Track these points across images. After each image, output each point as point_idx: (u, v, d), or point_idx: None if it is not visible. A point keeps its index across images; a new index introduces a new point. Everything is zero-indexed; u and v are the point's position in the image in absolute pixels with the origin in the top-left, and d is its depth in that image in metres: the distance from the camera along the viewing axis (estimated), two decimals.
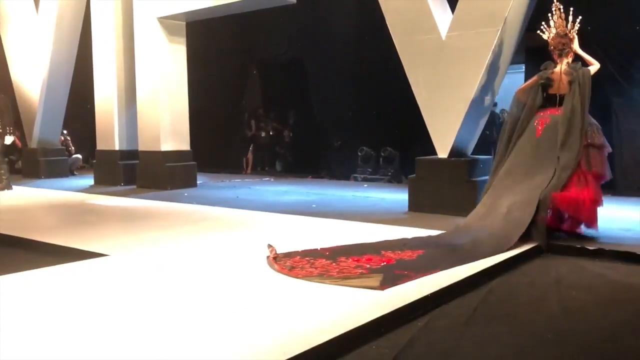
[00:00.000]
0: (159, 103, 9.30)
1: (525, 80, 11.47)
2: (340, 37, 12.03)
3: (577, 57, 5.35)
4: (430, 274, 3.80)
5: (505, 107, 11.41)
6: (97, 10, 10.24)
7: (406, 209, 6.69)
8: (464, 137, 6.48)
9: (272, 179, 11.08)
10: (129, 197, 8.43)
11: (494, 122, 11.23)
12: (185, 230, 5.63)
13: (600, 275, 4.10)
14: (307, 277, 3.75)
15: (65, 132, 12.57)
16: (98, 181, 10.31)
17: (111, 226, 6.16)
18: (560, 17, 5.31)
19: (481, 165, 6.50)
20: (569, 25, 5.29)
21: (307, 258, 4.20)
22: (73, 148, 12.82)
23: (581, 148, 5.00)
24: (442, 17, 6.48)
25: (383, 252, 4.36)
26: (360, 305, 3.16)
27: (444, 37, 6.37)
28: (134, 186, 9.64)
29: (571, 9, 5.28)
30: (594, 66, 5.25)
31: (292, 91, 13.37)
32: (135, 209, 7.33)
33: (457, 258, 4.21)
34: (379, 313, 2.98)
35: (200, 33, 11.00)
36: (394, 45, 6.74)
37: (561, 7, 5.30)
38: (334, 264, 4.04)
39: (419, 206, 6.55)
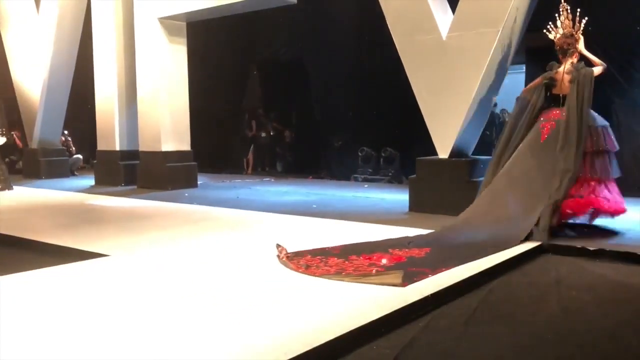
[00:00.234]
0: (159, 103, 9.31)
1: (526, 80, 11.55)
2: (340, 38, 12.02)
3: (582, 58, 5.37)
4: (444, 270, 3.86)
5: (505, 107, 11.44)
6: (98, 11, 10.25)
7: (407, 209, 6.69)
8: (465, 137, 6.48)
9: (272, 179, 11.08)
10: (130, 197, 8.43)
11: (494, 122, 11.23)
12: (185, 231, 5.63)
13: (600, 276, 4.10)
14: (325, 275, 3.78)
15: (66, 132, 12.58)
16: (99, 181, 10.32)
17: (112, 226, 6.16)
18: (567, 17, 5.36)
19: (482, 165, 6.49)
20: (576, 26, 5.33)
21: (318, 257, 4.23)
22: (74, 148, 12.84)
23: (579, 150, 5.00)
24: (443, 17, 6.48)
25: (390, 250, 4.40)
26: (360, 305, 3.16)
27: (444, 38, 6.37)
28: (135, 186, 9.65)
29: (578, 9, 5.32)
30: (599, 67, 5.26)
31: (292, 91, 13.37)
32: (135, 210, 7.34)
33: (465, 255, 4.25)
34: (379, 313, 2.99)
35: (200, 33, 11.01)
36: (395, 46, 6.74)
37: (568, 7, 5.34)
38: (346, 262, 4.08)
39: (419, 206, 6.55)
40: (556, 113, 5.31)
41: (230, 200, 7.82)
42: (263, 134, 13.46)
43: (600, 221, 5.32)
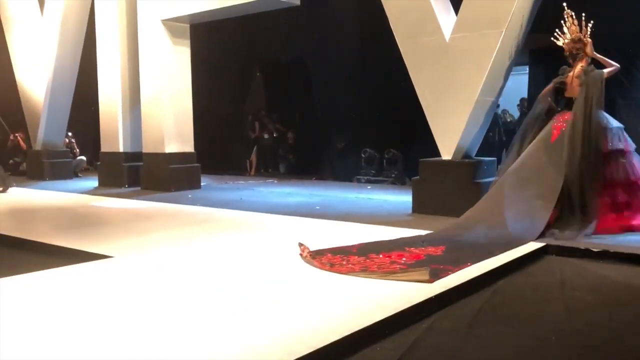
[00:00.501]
0: (163, 105, 9.33)
1: (529, 81, 11.55)
2: (343, 39, 12.04)
3: (592, 60, 5.43)
4: (465, 267, 3.93)
5: (506, 108, 11.43)
6: (102, 13, 10.28)
7: (410, 210, 6.68)
8: (468, 138, 6.47)
9: (275, 181, 11.09)
10: (133, 198, 8.45)
11: (497, 123, 11.22)
12: (189, 232, 5.64)
13: (604, 277, 4.09)
14: (351, 272, 3.86)
15: (70, 134, 12.61)
16: (102, 183, 10.34)
17: (115, 228, 6.18)
18: (573, 23, 5.42)
19: (485, 167, 6.49)
20: (583, 30, 5.39)
21: (339, 255, 4.29)
22: (78, 150, 12.86)
23: (584, 152, 5.07)
24: (446, 18, 6.48)
25: (407, 249, 4.46)
26: (364, 306, 3.16)
27: (447, 39, 6.37)
28: (138, 188, 9.67)
29: (583, 14, 5.37)
30: (610, 68, 5.31)
31: (295, 93, 13.39)
32: (139, 211, 7.35)
33: (481, 253, 4.32)
34: (383, 314, 2.99)
35: (204, 35, 11.02)
36: (398, 47, 6.75)
37: (572, 13, 5.41)
38: (368, 260, 4.14)
39: (422, 208, 6.55)
40: (568, 116, 5.38)
41: (234, 202, 7.83)
42: (266, 136, 13.48)
43: None
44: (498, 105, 9.16)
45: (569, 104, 5.44)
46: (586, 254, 4.56)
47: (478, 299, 3.52)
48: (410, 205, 6.73)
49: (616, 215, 5.16)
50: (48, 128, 11.75)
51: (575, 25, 5.43)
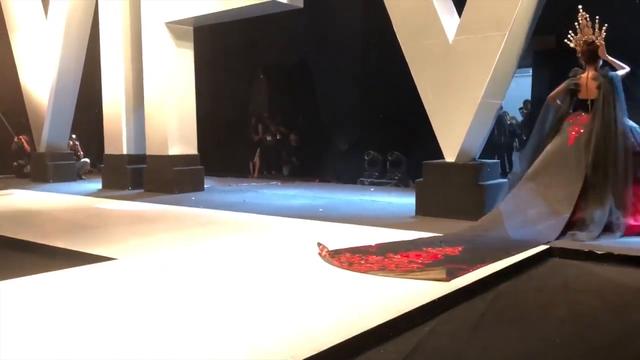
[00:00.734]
0: (166, 107, 9.35)
1: (533, 83, 11.54)
2: (347, 41, 12.05)
3: (604, 63, 5.48)
4: (481, 266, 3.99)
5: (506, 110, 11.42)
6: (105, 15, 10.32)
7: (413, 213, 6.68)
8: (472, 141, 6.46)
9: (278, 183, 11.10)
10: (137, 201, 8.47)
11: (503, 125, 11.22)
12: (193, 234, 5.64)
13: (608, 280, 4.08)
14: (369, 271, 3.92)
15: (74, 136, 12.65)
16: (106, 185, 10.36)
17: (119, 230, 6.19)
18: (587, 25, 5.45)
19: (489, 169, 6.48)
20: (596, 32, 5.42)
21: (357, 255, 4.36)
22: (82, 153, 12.90)
23: (609, 156, 5.15)
24: (449, 21, 6.48)
25: (424, 249, 4.52)
26: (367, 309, 3.16)
27: (451, 41, 6.37)
28: (142, 190, 9.68)
29: (597, 17, 5.40)
30: (623, 70, 5.37)
31: (299, 95, 13.40)
32: (143, 213, 7.36)
33: (499, 253, 4.37)
34: (386, 317, 2.98)
35: (207, 38, 11.05)
36: (401, 49, 6.75)
37: (587, 15, 5.43)
38: (386, 259, 4.20)
39: (426, 210, 6.54)
40: (584, 118, 5.42)
41: (237, 204, 7.83)
42: (269, 138, 13.49)
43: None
44: (501, 107, 9.16)
45: (582, 105, 5.46)
46: (590, 256, 4.55)
47: (481, 302, 3.51)
48: (414, 207, 6.72)
49: None
50: (52, 130, 11.78)
51: (588, 27, 5.46)
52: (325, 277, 3.92)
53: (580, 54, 5.52)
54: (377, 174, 11.25)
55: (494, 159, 7.03)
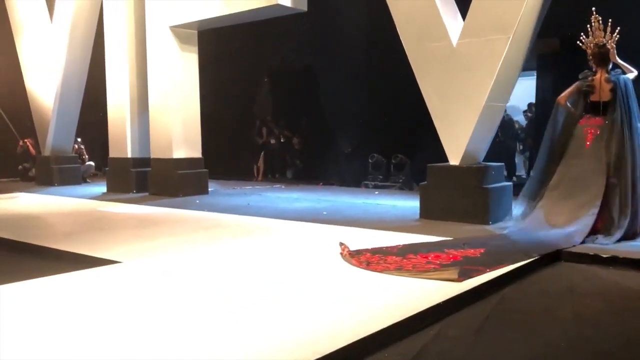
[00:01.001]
0: (170, 111, 9.37)
1: (538, 86, 11.52)
2: (350, 45, 12.05)
3: (614, 66, 5.51)
4: (498, 268, 4.05)
5: (508, 113, 11.40)
6: (110, 19, 10.36)
7: (417, 216, 6.66)
8: (476, 143, 6.45)
9: (282, 186, 11.10)
10: (141, 204, 8.48)
11: (507, 127, 11.20)
12: (197, 237, 5.65)
13: (613, 283, 4.07)
14: (385, 271, 4.02)
15: (79, 140, 12.69)
16: (110, 188, 10.38)
17: (123, 233, 6.20)
18: (599, 28, 5.48)
19: (493, 172, 6.47)
20: (607, 36, 5.45)
21: (377, 255, 4.45)
22: (87, 156, 12.94)
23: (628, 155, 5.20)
24: (453, 24, 6.48)
25: (446, 250, 4.58)
26: (371, 313, 3.15)
27: (454, 44, 6.36)
28: (146, 193, 9.71)
29: (609, 20, 5.43)
30: (632, 74, 5.42)
31: (302, 98, 13.41)
32: (147, 216, 7.38)
33: (519, 255, 4.43)
34: (390, 321, 2.98)
35: (211, 41, 11.07)
36: (405, 52, 6.75)
37: (600, 18, 5.46)
38: (404, 260, 4.29)
39: (430, 213, 6.53)
40: (598, 120, 5.44)
41: (241, 207, 7.84)
42: (273, 141, 13.50)
43: None
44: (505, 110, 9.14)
45: (595, 107, 5.47)
46: (595, 259, 4.53)
47: (486, 306, 3.51)
48: (418, 210, 6.71)
49: None
50: (57, 134, 11.82)
51: (600, 30, 5.49)
52: (329, 280, 3.92)
53: (591, 57, 5.53)
54: (381, 177, 11.24)
55: (499, 161, 7.00)
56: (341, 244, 4.86)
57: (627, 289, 3.94)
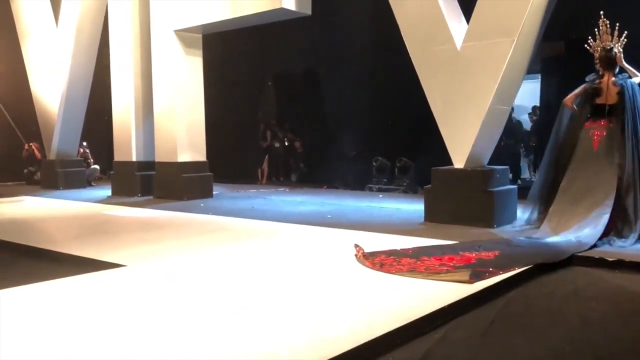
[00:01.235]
0: (175, 114, 9.40)
1: (542, 89, 11.51)
2: (355, 48, 12.06)
3: (620, 70, 5.55)
4: (511, 270, 4.09)
5: (514, 115, 11.39)
6: (115, 23, 10.40)
7: (422, 219, 6.66)
8: (481, 147, 6.45)
9: (287, 190, 11.10)
10: (146, 207, 8.50)
11: (514, 130, 11.18)
12: (202, 241, 5.66)
13: (619, 287, 4.05)
14: (398, 272, 4.08)
15: (85, 143, 12.74)
16: (115, 192, 10.41)
17: (128, 237, 6.21)
18: (606, 32, 5.53)
19: (497, 175, 6.45)
20: (614, 40, 5.50)
21: (391, 257, 4.50)
22: (92, 160, 12.98)
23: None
24: (457, 27, 6.48)
25: (461, 253, 4.62)
26: (377, 316, 3.15)
27: (459, 48, 6.37)
28: (151, 197, 9.73)
29: (617, 24, 5.48)
30: (638, 78, 5.44)
31: (307, 102, 13.42)
32: (152, 220, 7.39)
33: (533, 258, 4.46)
34: (395, 324, 2.97)
35: (216, 45, 11.10)
36: (409, 56, 6.75)
37: (608, 22, 5.52)
38: (418, 262, 4.33)
39: (435, 217, 6.52)
40: (603, 122, 5.48)
41: (245, 210, 7.85)
42: (277, 145, 13.51)
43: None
44: (512, 112, 9.14)
45: (600, 110, 5.50)
46: (601, 263, 4.52)
47: (491, 309, 3.50)
48: (423, 213, 6.70)
49: None
50: (62, 138, 11.88)
51: (608, 34, 5.54)
52: (335, 283, 3.92)
53: (598, 60, 5.58)
54: (385, 180, 11.23)
55: (506, 164, 7.00)
56: (356, 245, 4.91)
57: (633, 292, 3.92)
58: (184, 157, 9.44)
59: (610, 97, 5.45)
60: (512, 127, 10.61)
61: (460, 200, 6.36)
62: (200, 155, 9.71)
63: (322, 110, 13.18)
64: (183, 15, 9.11)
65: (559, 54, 10.08)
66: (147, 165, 10.14)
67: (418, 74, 6.70)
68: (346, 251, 4.88)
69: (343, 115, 12.49)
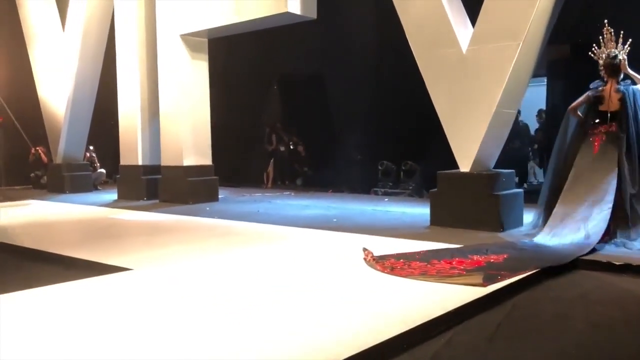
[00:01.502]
0: (181, 118, 9.43)
1: (548, 93, 11.48)
2: (360, 52, 12.08)
3: (624, 76, 5.59)
4: (522, 274, 4.10)
5: (522, 119, 11.37)
6: (121, 28, 10.45)
7: (428, 223, 6.64)
8: (487, 150, 6.43)
9: (292, 193, 11.11)
10: (152, 211, 8.52)
11: (521, 134, 11.16)
12: (207, 244, 5.66)
13: (626, 291, 4.03)
14: (409, 276, 4.09)
15: (91, 148, 12.79)
16: (121, 196, 10.45)
17: (134, 240, 6.22)
18: (610, 39, 5.57)
19: (503, 179, 6.44)
20: (618, 47, 5.55)
21: (401, 260, 4.51)
22: (98, 164, 13.03)
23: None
24: (463, 31, 6.47)
25: (470, 256, 4.63)
26: (383, 320, 3.14)
27: (464, 51, 6.36)
28: (157, 201, 9.75)
29: (621, 32, 5.52)
30: None
31: (312, 105, 13.44)
32: (158, 223, 7.40)
33: (542, 261, 4.47)
34: (401, 329, 2.97)
35: (221, 49, 11.13)
36: (415, 60, 6.75)
37: (612, 30, 5.56)
38: (428, 265, 4.34)
39: (441, 221, 6.50)
40: (604, 127, 5.54)
41: (251, 214, 7.85)
42: (282, 148, 13.53)
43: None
44: (518, 114, 9.11)
45: (602, 117, 5.56)
46: (608, 267, 4.49)
47: (498, 313, 3.48)
48: (428, 217, 6.69)
49: None
50: (68, 142, 11.93)
51: (612, 42, 5.57)
52: (341, 286, 3.92)
53: (602, 67, 5.62)
54: (390, 184, 11.22)
55: (513, 168, 6.98)
56: (365, 249, 4.90)
57: None
58: (189, 160, 9.47)
59: (612, 104, 5.51)
60: (518, 130, 10.58)
61: (466, 204, 6.34)
62: (206, 159, 9.73)
63: (328, 113, 13.19)
64: (189, 20, 9.15)
65: (565, 57, 10.06)
66: (153, 169, 10.17)
67: (423, 77, 6.69)
68: (352, 255, 4.87)
69: (348, 118, 12.50)
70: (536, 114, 12.02)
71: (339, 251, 5.17)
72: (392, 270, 4.23)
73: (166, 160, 9.71)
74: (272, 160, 13.51)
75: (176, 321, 3.21)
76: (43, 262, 5.21)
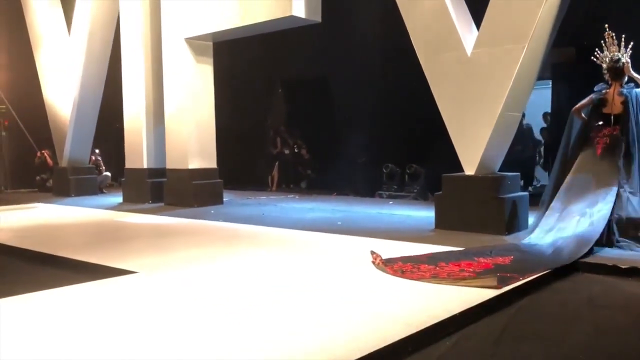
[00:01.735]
0: (186, 121, 9.45)
1: (553, 96, 11.45)
2: (365, 55, 12.08)
3: (629, 79, 5.62)
4: (532, 275, 4.13)
5: (529, 122, 11.34)
6: (127, 32, 10.49)
7: (433, 226, 6.63)
8: (492, 153, 6.42)
9: (297, 196, 11.11)
10: (157, 214, 8.53)
11: (526, 137, 11.12)
12: (212, 247, 5.66)
13: (633, 294, 4.01)
14: (422, 279, 4.09)
15: (97, 151, 12.82)
16: (126, 199, 10.47)
17: (139, 243, 6.24)
18: (612, 43, 5.62)
19: (509, 182, 6.43)
20: (621, 50, 5.59)
21: (409, 263, 4.52)
22: (104, 167, 13.06)
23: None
24: (467, 34, 6.47)
25: (476, 258, 4.64)
26: (388, 323, 3.14)
27: (469, 54, 6.35)
28: (162, 204, 9.77)
29: (623, 35, 5.56)
30: None
31: (317, 109, 13.44)
32: (163, 227, 7.42)
33: (548, 263, 4.51)
34: (407, 332, 2.96)
35: (226, 53, 11.16)
36: (419, 63, 6.75)
37: (613, 34, 5.60)
38: (437, 268, 4.35)
39: (445, 224, 6.49)
40: (608, 130, 5.58)
41: (256, 217, 7.85)
42: (287, 151, 13.54)
43: None
44: (523, 118, 9.09)
45: (606, 119, 5.59)
46: (614, 270, 4.48)
47: (503, 317, 3.48)
48: (433, 220, 6.68)
49: None
50: (74, 145, 11.96)
51: (614, 45, 5.61)
52: (346, 289, 3.91)
53: (606, 71, 5.65)
54: (395, 187, 11.20)
55: (519, 171, 6.97)
56: (372, 252, 4.91)
57: None
58: (194, 164, 9.48)
59: (615, 107, 5.55)
60: (522, 133, 10.55)
61: (471, 207, 6.33)
62: (211, 162, 9.74)
63: (332, 116, 13.20)
64: (194, 23, 9.17)
65: (570, 60, 10.04)
66: (158, 172, 10.18)
67: (428, 80, 6.69)
68: (357, 257, 4.87)
69: (353, 121, 12.49)
70: (541, 116, 11.99)
71: (344, 254, 5.18)
72: (403, 274, 4.22)
73: (171, 163, 9.73)
74: (276, 163, 13.52)
75: (179, 322, 3.21)
76: (49, 265, 5.23)
